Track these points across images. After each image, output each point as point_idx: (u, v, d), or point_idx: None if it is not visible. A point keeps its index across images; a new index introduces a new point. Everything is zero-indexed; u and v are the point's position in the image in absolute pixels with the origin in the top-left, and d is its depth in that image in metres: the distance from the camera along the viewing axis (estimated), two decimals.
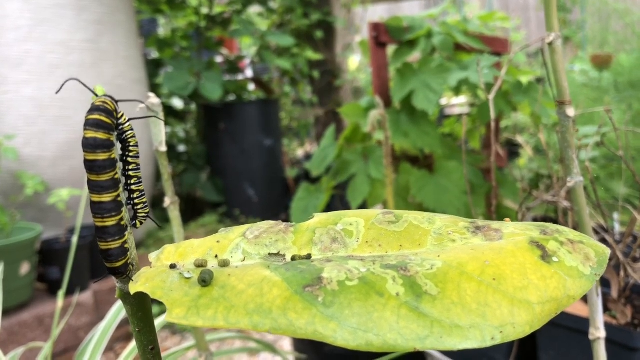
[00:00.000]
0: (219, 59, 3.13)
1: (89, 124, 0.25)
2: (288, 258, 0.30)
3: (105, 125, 0.25)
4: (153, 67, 2.80)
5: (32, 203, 1.94)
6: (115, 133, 0.27)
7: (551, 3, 0.56)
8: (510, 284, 0.27)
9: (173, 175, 2.93)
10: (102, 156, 0.25)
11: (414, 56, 1.51)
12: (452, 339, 0.25)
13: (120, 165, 0.28)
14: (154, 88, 2.70)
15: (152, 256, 0.30)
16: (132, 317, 0.29)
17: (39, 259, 1.80)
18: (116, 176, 0.27)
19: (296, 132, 3.50)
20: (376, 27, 1.43)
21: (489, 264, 0.28)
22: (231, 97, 2.98)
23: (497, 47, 1.52)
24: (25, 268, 1.66)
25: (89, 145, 0.25)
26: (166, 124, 3.01)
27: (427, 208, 1.32)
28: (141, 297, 0.29)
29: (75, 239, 0.90)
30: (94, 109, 0.25)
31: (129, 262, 0.28)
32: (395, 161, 1.44)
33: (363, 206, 1.41)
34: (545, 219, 1.14)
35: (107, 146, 0.25)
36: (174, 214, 0.63)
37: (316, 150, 1.52)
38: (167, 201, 0.63)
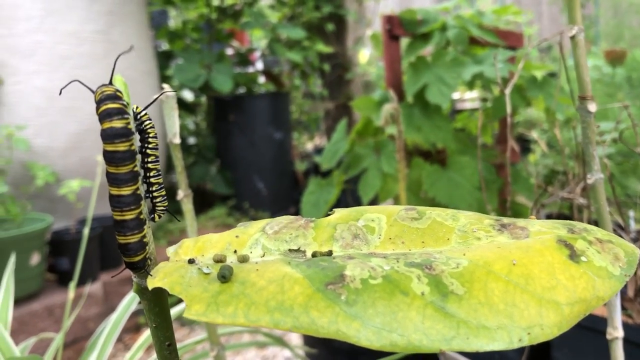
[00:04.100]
0: (229, 52, 3.12)
1: (102, 116, 0.24)
2: (308, 254, 0.29)
3: (117, 111, 0.24)
4: (164, 59, 2.80)
5: (43, 194, 1.95)
6: (134, 123, 0.27)
7: None
8: (538, 284, 0.27)
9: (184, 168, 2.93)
10: (121, 147, 0.25)
11: (428, 49, 1.50)
12: (478, 340, 0.24)
13: (139, 157, 0.28)
14: (165, 80, 2.69)
15: (170, 250, 0.30)
16: (148, 312, 0.29)
17: (49, 249, 1.80)
18: (135, 169, 0.26)
19: (306, 125, 3.49)
20: (390, 20, 1.42)
21: (516, 263, 0.27)
22: (241, 90, 2.98)
23: (511, 41, 1.50)
24: (35, 258, 1.66)
25: (107, 136, 0.24)
26: None
27: (439, 203, 1.31)
28: (158, 292, 0.28)
29: (86, 231, 0.90)
30: (102, 99, 0.24)
31: (147, 256, 0.27)
32: (407, 156, 1.43)
33: (374, 201, 1.40)
34: (559, 216, 1.13)
35: (126, 134, 0.25)
36: (187, 207, 0.63)
37: (327, 144, 1.51)
38: (181, 194, 0.63)
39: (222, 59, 2.65)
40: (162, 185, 0.29)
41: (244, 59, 3.07)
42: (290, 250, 0.29)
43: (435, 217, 0.32)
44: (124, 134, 0.25)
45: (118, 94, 0.25)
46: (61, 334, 0.74)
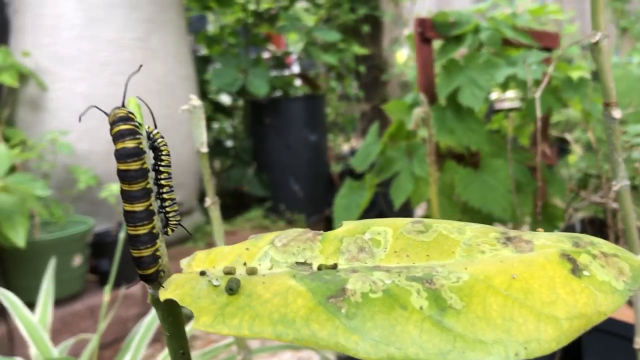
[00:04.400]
0: (266, 55, 3.16)
1: (115, 137, 0.26)
2: (315, 267, 0.30)
3: (129, 132, 0.26)
4: (202, 64, 2.85)
5: (85, 197, 2.01)
6: (147, 142, 0.28)
7: (598, 1, 0.54)
8: (537, 299, 0.27)
9: (221, 170, 2.98)
10: (133, 166, 0.26)
11: (461, 52, 1.49)
12: (475, 354, 0.25)
13: (152, 174, 0.29)
14: (203, 84, 2.74)
15: (184, 262, 0.31)
16: (163, 322, 0.30)
17: (91, 251, 1.86)
18: (148, 186, 0.27)
19: (342, 127, 3.49)
20: (422, 23, 1.41)
21: (516, 277, 0.28)
22: (278, 93, 3.01)
23: (547, 41, 1.48)
24: (77, 260, 1.72)
25: (120, 155, 0.26)
26: (214, 119, 3.06)
27: (472, 207, 1.31)
28: (172, 302, 0.30)
29: (122, 234, 0.93)
30: (115, 121, 0.26)
31: (159, 269, 0.29)
32: (440, 159, 1.42)
33: (406, 204, 1.40)
34: (593, 220, 1.11)
35: (138, 154, 0.26)
36: (215, 214, 0.64)
37: (360, 147, 1.52)
38: (208, 201, 0.64)
39: (259, 63, 2.68)
40: (174, 201, 0.30)
41: (280, 62, 3.10)
42: (297, 262, 0.30)
43: (441, 230, 0.32)
44: (136, 154, 0.26)
45: (130, 115, 0.26)
46: (96, 336, 0.77)
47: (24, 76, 2.02)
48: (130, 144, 0.26)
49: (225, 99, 3.15)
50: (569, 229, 1.07)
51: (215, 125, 3.09)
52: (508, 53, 1.47)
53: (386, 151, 1.41)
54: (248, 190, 2.81)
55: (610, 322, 0.85)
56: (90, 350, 0.77)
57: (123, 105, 0.27)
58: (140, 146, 0.26)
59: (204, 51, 3.10)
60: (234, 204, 2.83)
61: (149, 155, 0.29)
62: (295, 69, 3.57)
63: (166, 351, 0.83)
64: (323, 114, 2.98)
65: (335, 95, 3.41)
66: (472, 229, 0.33)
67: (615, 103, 0.55)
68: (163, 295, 0.28)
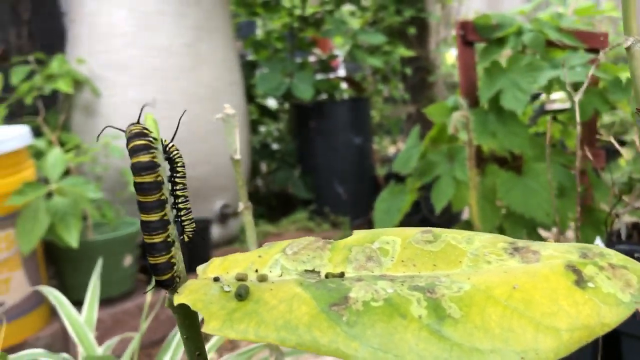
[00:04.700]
0: (312, 59, 3.18)
1: (130, 152, 0.27)
2: (322, 275, 0.31)
3: (143, 147, 0.28)
4: (249, 69, 2.90)
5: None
6: (162, 155, 0.30)
7: (629, 3, 0.53)
8: (538, 310, 0.27)
9: (267, 173, 3.02)
10: (148, 178, 0.28)
11: (504, 54, 1.47)
12: None
13: (168, 185, 0.31)
14: (250, 89, 2.79)
15: (200, 268, 0.33)
16: (180, 325, 0.32)
17: (141, 251, 1.92)
18: (162, 197, 0.29)
19: (388, 129, 3.48)
20: (463, 26, 1.40)
21: (518, 288, 0.28)
22: (323, 96, 3.03)
23: (594, 42, 1.44)
24: (128, 260, 1.78)
25: (135, 169, 0.28)
26: (261, 123, 3.10)
27: (515, 211, 1.29)
28: (187, 307, 0.31)
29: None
30: (131, 137, 0.28)
31: (174, 275, 0.31)
32: (482, 162, 1.41)
33: (448, 209, 1.39)
34: (638, 225, 1.08)
35: (152, 167, 0.28)
36: (247, 219, 0.66)
37: (402, 150, 1.52)
38: (241, 206, 0.66)
39: (304, 67, 2.71)
40: (189, 210, 0.32)
41: (325, 65, 3.12)
42: (306, 270, 0.32)
43: (449, 240, 0.33)
44: (150, 167, 0.28)
45: (145, 131, 0.28)
46: (139, 334, 0.80)
47: (78, 83, 2.11)
48: (144, 158, 0.28)
49: (271, 103, 3.19)
50: (614, 234, 1.05)
51: (262, 128, 3.13)
52: (553, 55, 1.44)
53: (427, 154, 1.40)
54: (293, 193, 2.84)
55: None
56: (132, 349, 0.80)
57: (138, 122, 0.29)
58: (155, 160, 0.28)
59: (251, 56, 3.15)
60: (280, 206, 2.86)
61: (165, 167, 0.31)
62: (341, 72, 3.58)
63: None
64: (368, 117, 2.98)
65: (381, 98, 3.41)
66: (481, 239, 0.33)
67: None
68: (177, 300, 0.29)
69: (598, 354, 0.81)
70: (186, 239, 0.32)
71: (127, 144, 0.28)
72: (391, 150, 3.45)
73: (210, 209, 2.27)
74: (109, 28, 2.14)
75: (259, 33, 3.57)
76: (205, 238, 2.23)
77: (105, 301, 1.79)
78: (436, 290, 0.28)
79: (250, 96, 2.81)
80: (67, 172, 1.80)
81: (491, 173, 1.34)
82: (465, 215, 2.36)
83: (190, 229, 0.32)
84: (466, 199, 1.34)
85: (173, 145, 0.31)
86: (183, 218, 0.32)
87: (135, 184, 0.28)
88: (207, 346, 0.85)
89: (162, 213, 0.29)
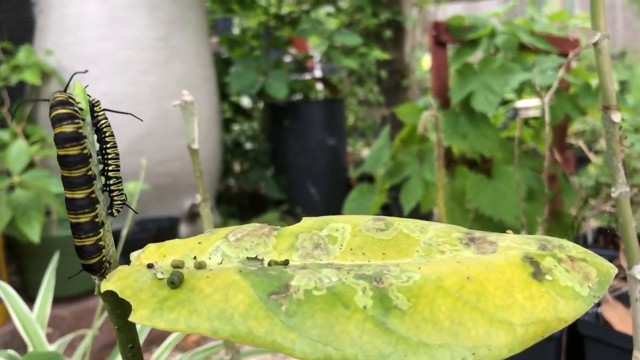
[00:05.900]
0: (287, 59, 3.16)
1: (53, 121, 0.25)
2: (266, 263, 0.29)
3: (67, 116, 0.25)
4: (223, 66, 2.86)
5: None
6: (86, 124, 0.27)
7: (598, 1, 0.52)
8: (491, 302, 0.25)
9: (240, 172, 2.99)
10: (72, 151, 0.25)
11: (476, 56, 1.47)
12: (417, 358, 0.23)
13: (98, 157, 0.28)
14: (224, 87, 2.75)
15: (134, 255, 0.30)
16: (110, 314, 0.30)
17: None
18: (89, 172, 0.27)
19: (362, 132, 3.48)
20: (437, 26, 1.40)
21: (470, 279, 0.26)
22: (298, 96, 3.01)
23: (565, 47, 1.45)
24: None
25: (58, 140, 0.25)
26: (234, 121, 3.07)
27: (483, 214, 1.28)
28: (117, 295, 0.29)
29: (124, 231, 0.93)
30: (54, 104, 0.25)
31: (103, 259, 0.28)
32: (452, 164, 1.40)
33: (416, 210, 1.38)
34: (604, 229, 1.08)
35: (76, 138, 0.25)
36: (205, 211, 0.64)
37: (371, 150, 1.50)
38: (199, 198, 0.64)
39: (279, 66, 2.68)
40: (119, 180, 0.29)
41: (301, 65, 3.10)
42: (248, 258, 0.29)
43: (402, 229, 0.31)
44: (75, 138, 0.25)
45: (70, 100, 0.26)
46: (91, 333, 0.77)
47: (46, 74, 2.05)
48: (67, 128, 0.25)
49: (245, 102, 3.15)
50: (580, 238, 1.04)
51: (235, 127, 3.10)
52: (525, 59, 1.44)
53: (397, 155, 1.39)
54: (265, 193, 2.81)
55: (616, 334, 0.82)
56: (84, 347, 0.77)
57: (65, 90, 0.27)
58: (80, 131, 0.26)
59: (226, 54, 3.11)
60: (251, 206, 2.83)
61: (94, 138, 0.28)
62: (317, 72, 3.56)
63: (158, 351, 0.82)
64: (342, 118, 2.97)
65: (356, 100, 3.40)
66: (435, 229, 0.31)
67: (616, 106, 0.54)
68: (104, 286, 0.27)
69: (561, 357, 0.81)
70: (115, 213, 0.30)
71: (50, 113, 0.25)
72: (365, 152, 3.45)
73: (179, 207, 2.23)
74: (79, 19, 2.09)
75: (236, 30, 3.54)
76: (137, 212, 2.19)
77: (69, 298, 1.74)
78: (383, 279, 0.26)
79: (224, 94, 2.78)
80: (31, 165, 1.75)
81: (461, 175, 1.33)
82: (435, 219, 2.36)
83: (120, 201, 0.30)
84: (435, 200, 1.33)
85: (103, 113, 0.29)
86: (112, 187, 0.29)
87: (59, 157, 0.26)
88: (163, 345, 0.82)
89: (89, 190, 0.27)
